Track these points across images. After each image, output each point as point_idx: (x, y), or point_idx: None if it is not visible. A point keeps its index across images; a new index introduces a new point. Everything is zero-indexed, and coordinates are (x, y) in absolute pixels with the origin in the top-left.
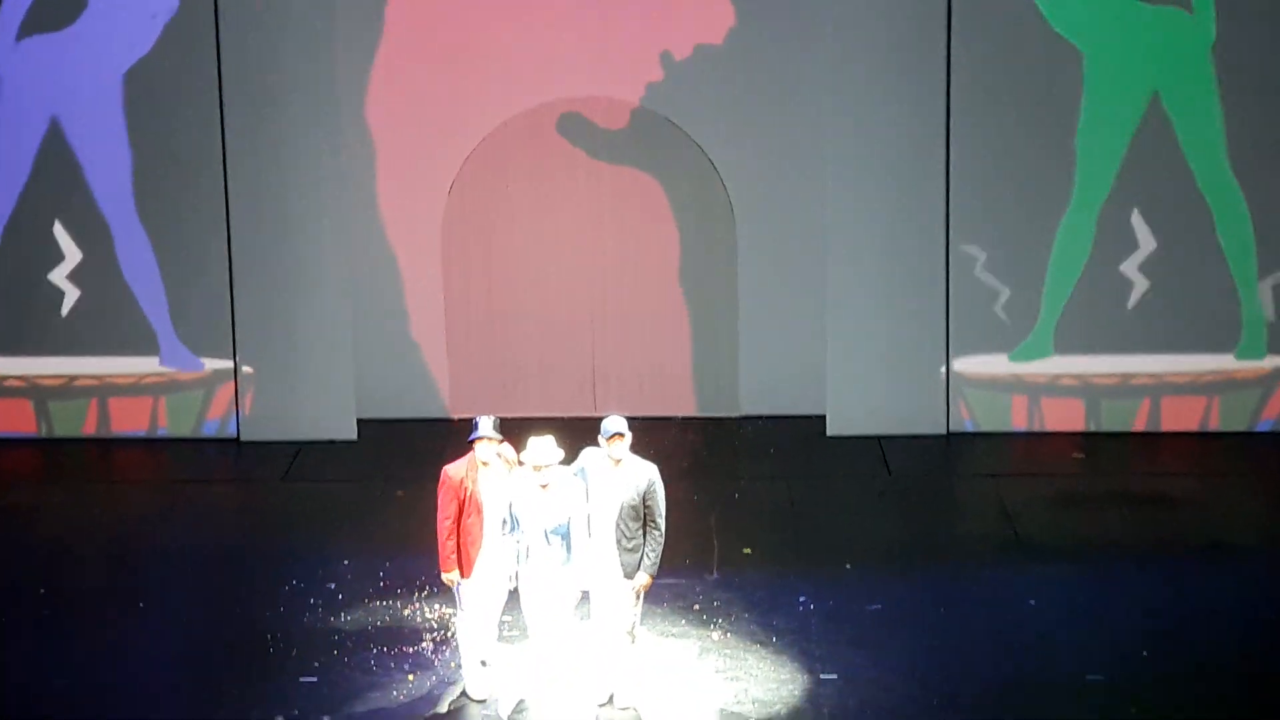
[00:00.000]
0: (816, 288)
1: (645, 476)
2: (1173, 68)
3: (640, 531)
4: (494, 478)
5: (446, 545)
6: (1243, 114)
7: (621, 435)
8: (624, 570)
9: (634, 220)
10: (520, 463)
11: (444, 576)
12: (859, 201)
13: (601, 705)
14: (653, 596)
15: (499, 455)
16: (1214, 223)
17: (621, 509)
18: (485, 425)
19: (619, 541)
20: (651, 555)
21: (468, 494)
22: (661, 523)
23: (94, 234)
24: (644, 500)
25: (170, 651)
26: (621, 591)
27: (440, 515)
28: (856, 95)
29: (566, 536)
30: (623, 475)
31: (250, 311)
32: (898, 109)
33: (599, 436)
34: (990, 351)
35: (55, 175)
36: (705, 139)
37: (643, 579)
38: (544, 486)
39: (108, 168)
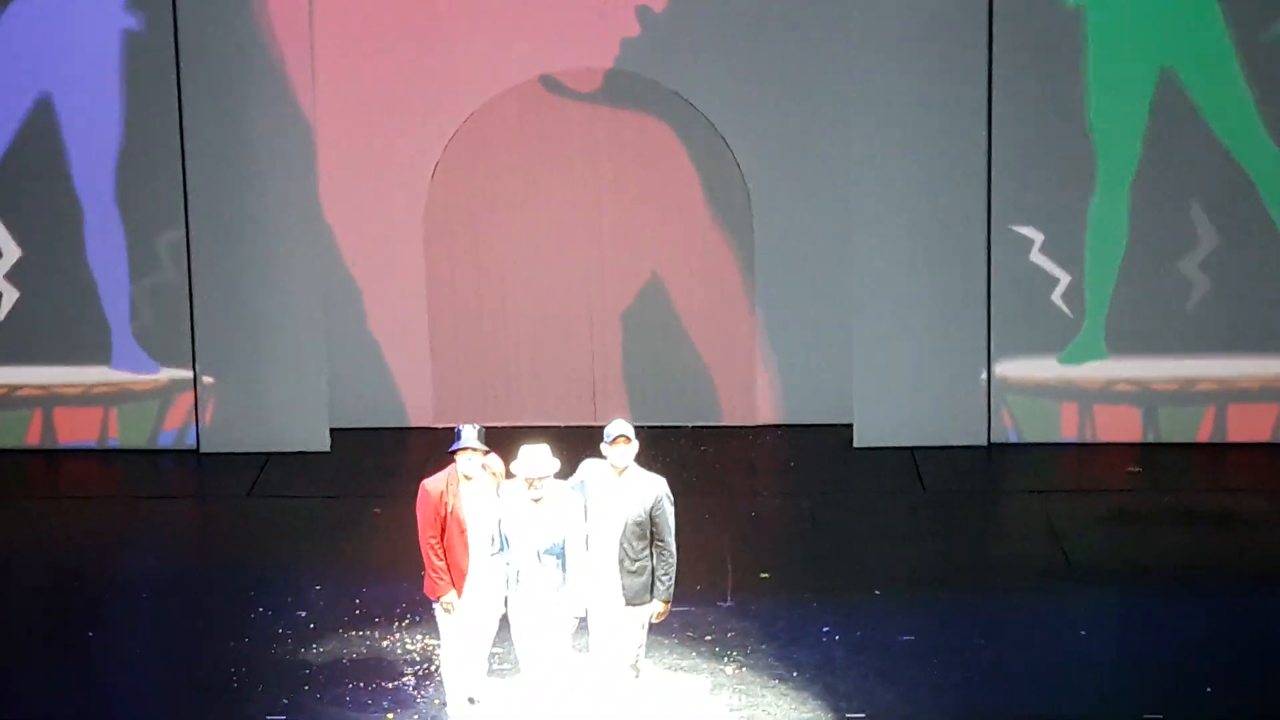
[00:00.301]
0: (842, 281)
1: (652, 491)
2: (1183, 36)
3: (645, 552)
4: (478, 493)
5: (436, 566)
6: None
7: (627, 439)
8: (626, 595)
9: (638, 208)
10: (510, 475)
11: (441, 601)
12: (888, 180)
13: None
14: (659, 626)
15: (484, 468)
16: (1261, 197)
17: (625, 527)
18: (468, 435)
19: (621, 563)
20: (665, 580)
21: (448, 511)
22: (671, 542)
23: (49, 225)
24: (650, 517)
25: (121, 688)
26: (624, 619)
27: (422, 535)
28: (885, 59)
29: (562, 557)
30: (627, 488)
31: (211, 310)
32: (932, 69)
33: (601, 444)
34: (1037, 353)
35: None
36: (718, 117)
37: (656, 607)
38: (537, 501)
39: (95, 148)
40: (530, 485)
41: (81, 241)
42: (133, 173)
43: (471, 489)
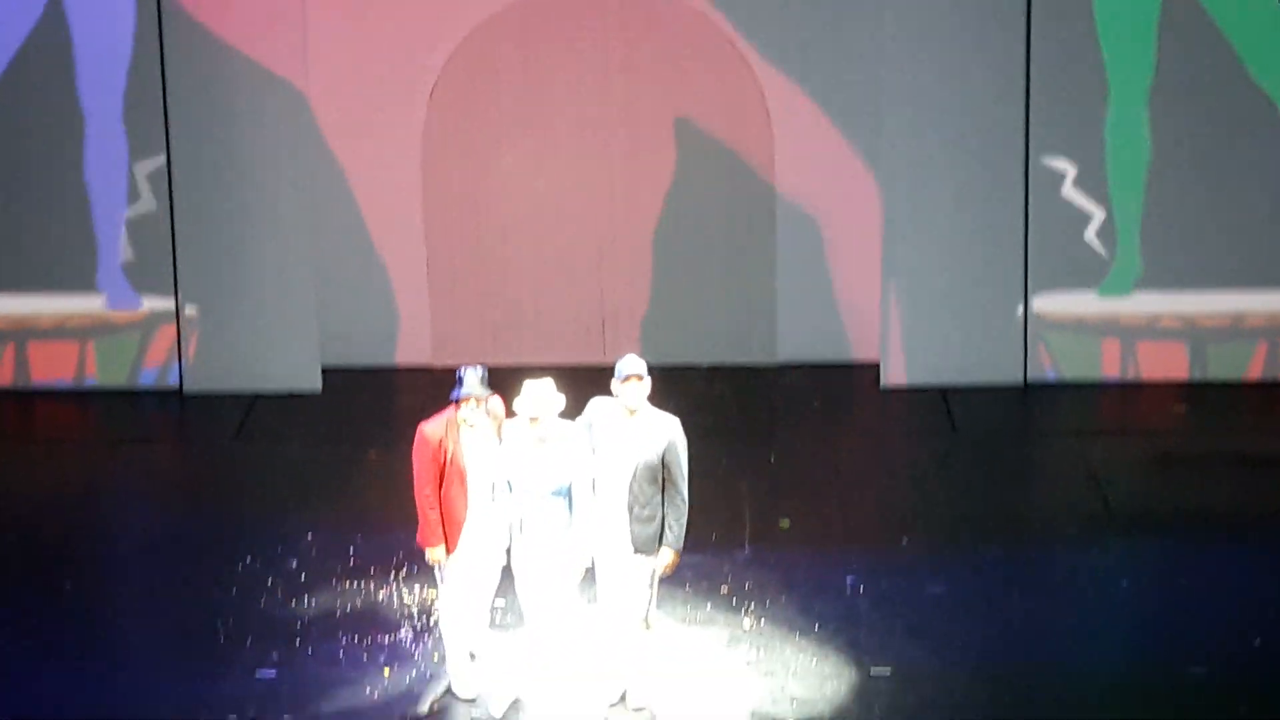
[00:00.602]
0: (871, 208)
1: (665, 433)
2: None
3: (657, 499)
4: (480, 439)
5: (429, 517)
6: None
7: (639, 378)
8: (635, 544)
9: (651, 129)
10: (512, 414)
11: (427, 555)
12: (921, 105)
13: (612, 705)
14: (672, 577)
15: (488, 414)
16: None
17: (636, 471)
18: (471, 381)
19: (631, 509)
20: (675, 528)
21: (448, 458)
22: (684, 488)
23: (44, 139)
24: (663, 461)
25: (100, 643)
26: (633, 570)
27: (418, 483)
28: None
29: (568, 500)
30: (638, 430)
31: (195, 241)
32: None
33: (612, 382)
34: (1077, 287)
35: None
36: (740, 30)
37: (666, 557)
38: (541, 441)
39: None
40: (534, 424)
41: (79, 160)
42: (138, 92)
43: (473, 434)
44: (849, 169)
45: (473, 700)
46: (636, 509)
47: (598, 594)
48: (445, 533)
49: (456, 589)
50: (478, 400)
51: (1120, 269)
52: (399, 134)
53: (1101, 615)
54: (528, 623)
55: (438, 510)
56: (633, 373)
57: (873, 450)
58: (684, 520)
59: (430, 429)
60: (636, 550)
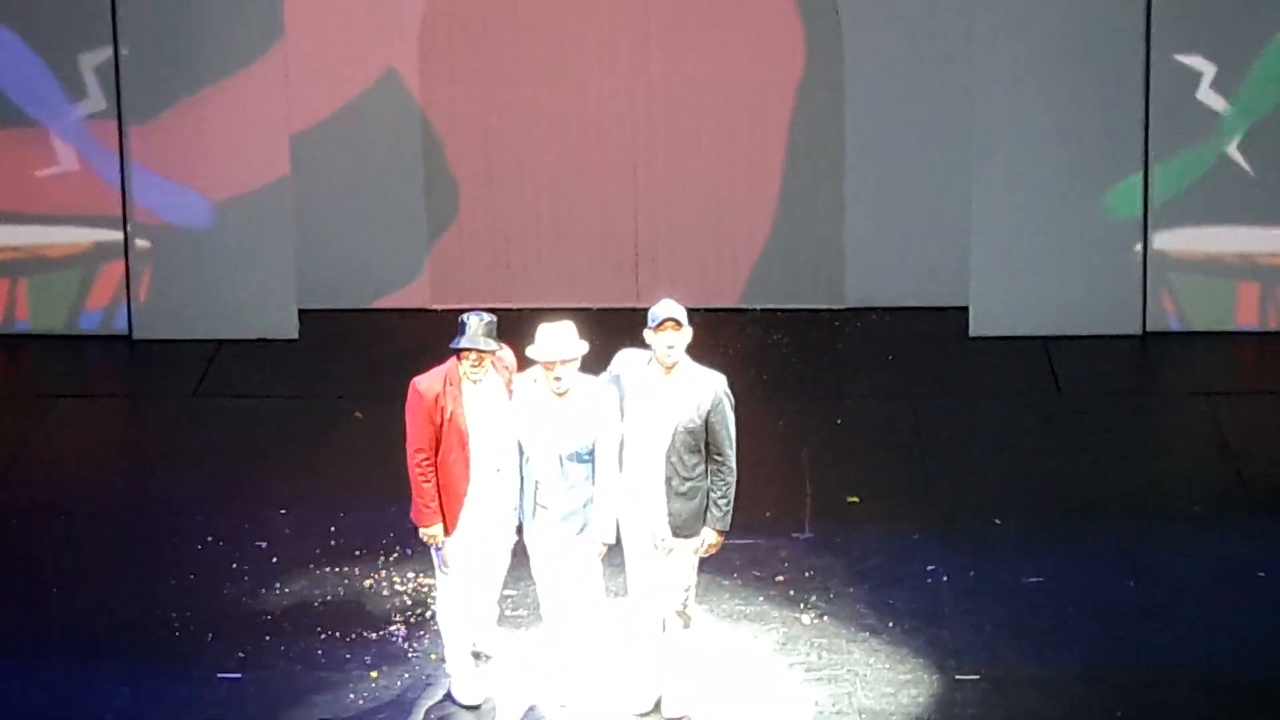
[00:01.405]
0: (956, 120)
1: (709, 390)
2: None
3: (699, 469)
4: (485, 396)
5: (423, 489)
6: None
7: (677, 325)
8: (673, 523)
9: (694, 35)
10: (525, 365)
11: (422, 534)
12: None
13: (643, 716)
14: (717, 562)
15: (496, 364)
16: None
17: (674, 436)
18: (473, 329)
19: (669, 482)
20: (721, 503)
21: (446, 418)
22: (731, 456)
23: None
24: (706, 423)
25: (33, 635)
26: (670, 555)
27: (411, 447)
28: None
29: (591, 465)
30: (677, 387)
31: (146, 153)
32: None
33: (645, 330)
34: (1208, 221)
35: None
36: None
37: (709, 537)
38: (560, 395)
39: None
40: (551, 373)
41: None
42: None
43: (477, 391)
44: (931, 75)
45: (477, 708)
46: (675, 481)
47: (627, 583)
48: (443, 508)
49: (458, 576)
50: (480, 355)
51: (1267, 195)
52: (391, 34)
53: (1232, 610)
54: (543, 616)
55: (433, 481)
56: (669, 318)
57: (959, 412)
58: (731, 494)
59: (425, 384)
60: (675, 532)
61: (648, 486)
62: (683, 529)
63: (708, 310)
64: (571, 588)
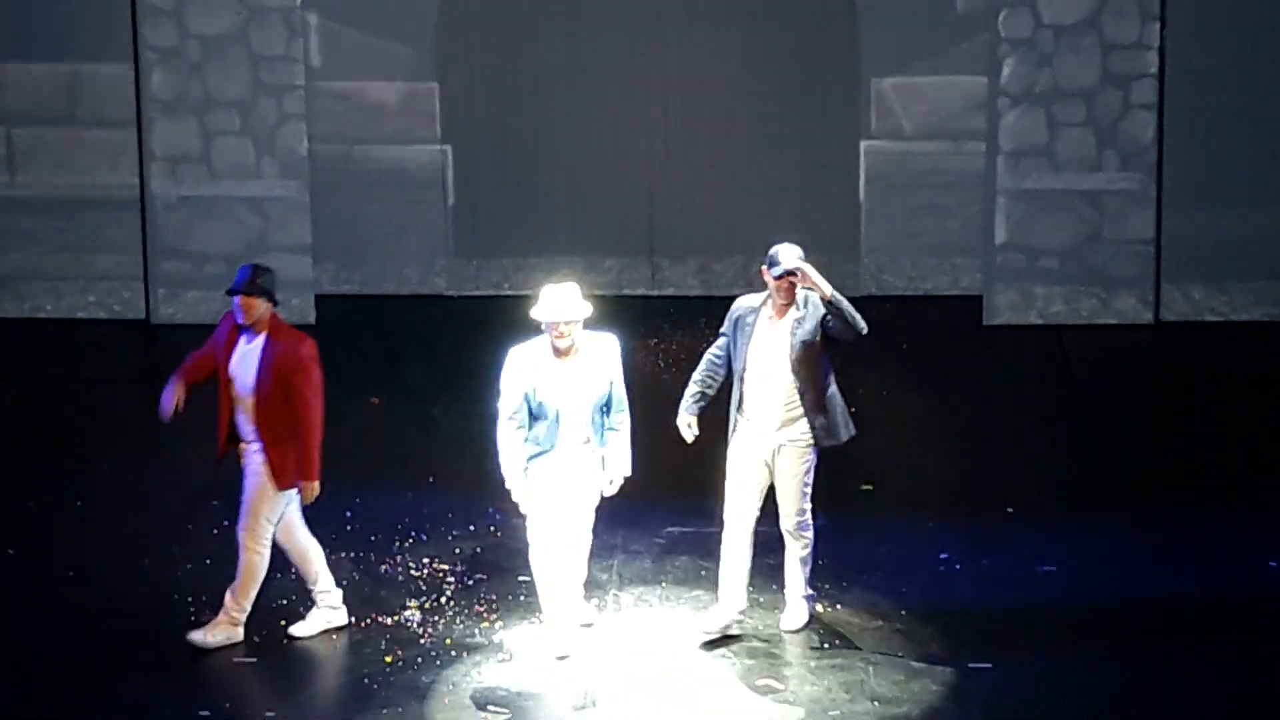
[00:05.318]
0: (975, 102)
1: (813, 302)
2: None
3: (820, 374)
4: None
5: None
6: None
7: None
8: (818, 435)
9: (710, 9)
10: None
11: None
12: None
13: (710, 636)
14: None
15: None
16: None
17: (793, 351)
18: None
19: (802, 395)
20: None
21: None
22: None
23: None
24: (822, 325)
25: (48, 621)
26: (785, 472)
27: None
28: None
29: (604, 414)
30: (792, 313)
31: (165, 134)
32: None
33: (765, 270)
34: (1218, 205)
35: None
36: None
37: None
38: (564, 353)
39: None
40: (555, 331)
41: None
42: None
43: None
44: (952, 56)
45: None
46: (809, 396)
47: (727, 509)
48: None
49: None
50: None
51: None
52: (406, 13)
53: (1255, 601)
54: (543, 603)
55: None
56: (787, 270)
57: (973, 399)
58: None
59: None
60: (818, 442)
61: (769, 413)
62: (825, 438)
63: (722, 297)
64: (570, 536)
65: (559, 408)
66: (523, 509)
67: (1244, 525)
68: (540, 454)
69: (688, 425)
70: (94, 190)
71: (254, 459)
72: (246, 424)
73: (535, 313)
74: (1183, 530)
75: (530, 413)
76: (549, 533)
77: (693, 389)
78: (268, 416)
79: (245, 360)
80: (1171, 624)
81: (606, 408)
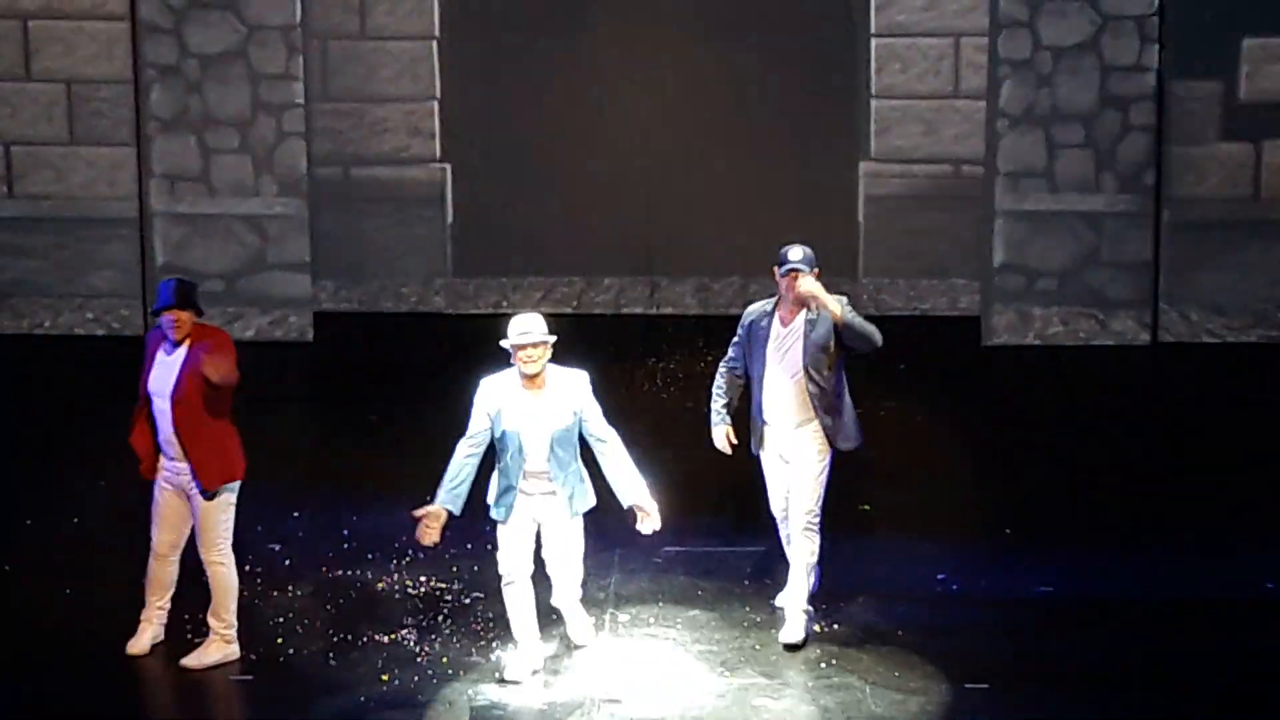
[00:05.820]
0: (974, 128)
1: (836, 301)
2: None
3: (834, 378)
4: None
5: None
6: None
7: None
8: (831, 434)
9: (712, 27)
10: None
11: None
12: None
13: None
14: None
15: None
16: None
17: (809, 350)
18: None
19: (815, 399)
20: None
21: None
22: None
23: None
24: (837, 333)
25: (47, 635)
26: (803, 472)
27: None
28: None
29: (573, 451)
30: (805, 315)
31: (164, 151)
32: None
33: (775, 270)
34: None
35: None
36: None
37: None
38: (532, 379)
39: None
40: (521, 355)
41: None
42: None
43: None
44: (947, 77)
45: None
46: (824, 401)
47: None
48: None
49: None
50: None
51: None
52: (405, 28)
53: (1264, 619)
54: (516, 635)
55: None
56: (794, 267)
57: (971, 420)
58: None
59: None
60: (832, 443)
61: (786, 413)
62: (843, 443)
63: (719, 316)
64: (562, 559)
65: (520, 437)
66: (419, 530)
67: (1242, 546)
68: (507, 488)
69: (724, 436)
70: (93, 207)
71: (181, 478)
72: (168, 437)
73: (502, 341)
74: (1180, 551)
75: (494, 441)
76: (513, 564)
77: (717, 403)
78: (187, 418)
79: (165, 371)
80: (1169, 644)
81: (578, 441)
